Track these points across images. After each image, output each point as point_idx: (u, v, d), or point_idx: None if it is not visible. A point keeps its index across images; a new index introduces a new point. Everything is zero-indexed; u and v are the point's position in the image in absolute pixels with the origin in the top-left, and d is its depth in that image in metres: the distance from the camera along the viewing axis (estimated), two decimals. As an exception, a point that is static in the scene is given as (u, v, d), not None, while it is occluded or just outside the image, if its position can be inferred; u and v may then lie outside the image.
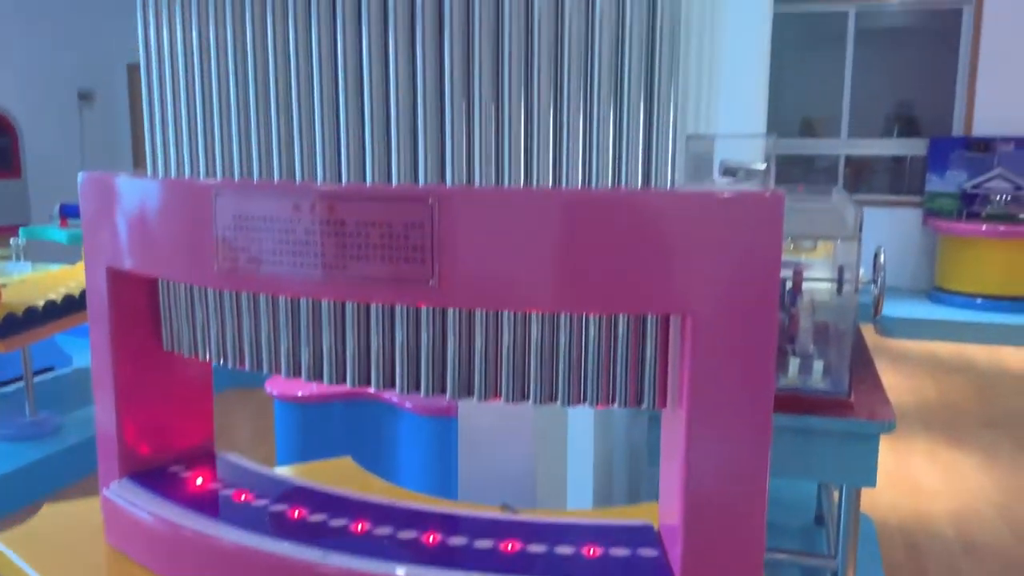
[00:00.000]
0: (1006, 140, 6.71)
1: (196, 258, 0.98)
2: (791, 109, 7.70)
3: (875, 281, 2.12)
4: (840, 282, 2.17)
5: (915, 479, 3.66)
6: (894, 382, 5.17)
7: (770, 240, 0.87)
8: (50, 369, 4.70)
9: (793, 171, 7.80)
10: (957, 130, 7.16)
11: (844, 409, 1.91)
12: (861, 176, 7.73)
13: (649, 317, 0.92)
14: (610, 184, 0.91)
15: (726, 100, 5.14)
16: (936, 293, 6.73)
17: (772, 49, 6.17)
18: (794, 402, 1.89)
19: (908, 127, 7.52)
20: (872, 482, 1.96)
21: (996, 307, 6.17)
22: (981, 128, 6.98)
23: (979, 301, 6.32)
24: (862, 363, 2.29)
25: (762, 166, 2.43)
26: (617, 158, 0.94)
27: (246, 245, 0.94)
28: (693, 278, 0.86)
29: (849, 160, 7.64)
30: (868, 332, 6.25)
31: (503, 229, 0.86)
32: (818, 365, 1.97)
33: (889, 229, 7.21)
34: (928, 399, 4.90)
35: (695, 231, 0.84)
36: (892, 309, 6.42)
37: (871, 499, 3.36)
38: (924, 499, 3.45)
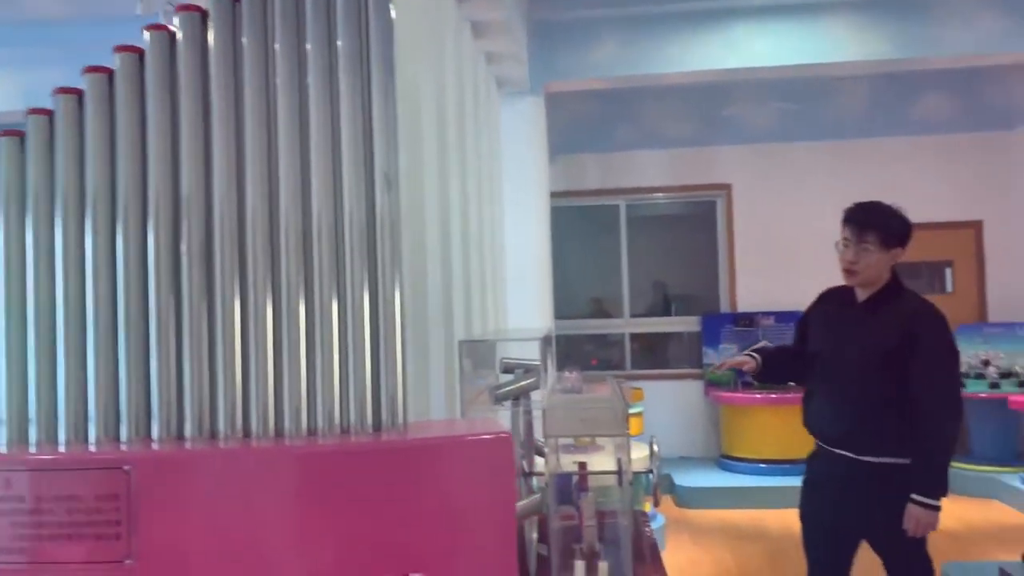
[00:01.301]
0: (766, 314, 7.39)
1: None
2: (581, 290, 8.14)
3: (651, 471, 2.16)
4: (620, 475, 2.19)
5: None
6: (696, 556, 5.27)
7: (503, 479, 0.84)
8: None
9: (587, 347, 8.16)
10: (724, 307, 7.81)
11: (632, 613, 1.88)
12: (650, 349, 8.19)
13: None
14: (338, 427, 0.86)
15: (514, 291, 5.33)
16: (724, 461, 7.07)
17: (559, 236, 6.59)
18: (581, 611, 1.84)
19: (684, 304, 8.13)
20: None
21: (778, 471, 6.52)
22: (744, 304, 7.67)
23: (762, 466, 6.68)
24: (651, 556, 2.29)
25: (538, 362, 2.49)
26: (344, 396, 0.90)
27: (-96, 530, 0.79)
28: (431, 531, 0.80)
29: (635, 336, 8.10)
30: (669, 506, 6.41)
31: (216, 496, 0.77)
32: (603, 567, 1.94)
33: (676, 400, 7.61)
34: (728, 572, 5.01)
35: (428, 479, 0.80)
36: (686, 479, 6.65)
37: None
38: None
